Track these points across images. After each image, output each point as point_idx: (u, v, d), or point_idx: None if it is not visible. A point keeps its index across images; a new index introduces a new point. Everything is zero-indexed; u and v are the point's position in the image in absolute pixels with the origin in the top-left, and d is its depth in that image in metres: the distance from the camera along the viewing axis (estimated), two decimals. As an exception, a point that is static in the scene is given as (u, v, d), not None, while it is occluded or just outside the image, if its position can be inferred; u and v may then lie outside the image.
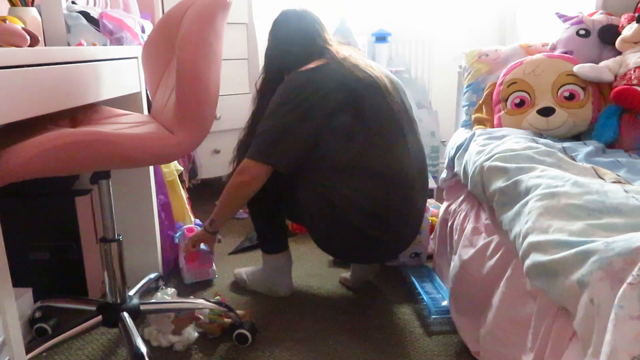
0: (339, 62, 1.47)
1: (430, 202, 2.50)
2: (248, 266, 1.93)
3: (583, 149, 1.38)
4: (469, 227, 1.51)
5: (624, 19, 1.67)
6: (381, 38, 2.79)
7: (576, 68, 1.59)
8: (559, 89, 1.59)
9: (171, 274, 1.92)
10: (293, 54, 1.54)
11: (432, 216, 2.16)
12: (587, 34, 1.73)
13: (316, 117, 1.42)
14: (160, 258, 1.85)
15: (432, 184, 2.80)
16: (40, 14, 1.43)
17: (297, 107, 1.43)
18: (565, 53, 1.72)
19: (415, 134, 1.57)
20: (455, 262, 1.49)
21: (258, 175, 1.48)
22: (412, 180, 1.51)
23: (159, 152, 1.17)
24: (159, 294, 1.73)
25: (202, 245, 1.92)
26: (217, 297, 1.67)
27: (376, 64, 1.59)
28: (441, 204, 2.02)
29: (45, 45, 1.44)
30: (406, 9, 2.99)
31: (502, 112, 1.68)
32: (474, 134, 1.59)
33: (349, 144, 1.44)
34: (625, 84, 1.52)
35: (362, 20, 2.94)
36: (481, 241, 1.39)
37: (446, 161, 1.77)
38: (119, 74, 1.49)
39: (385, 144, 1.46)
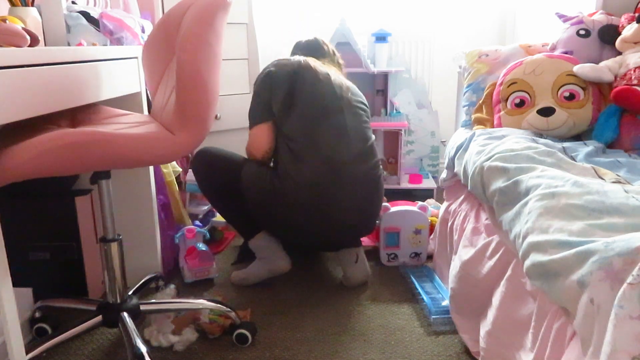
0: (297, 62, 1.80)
1: (430, 202, 2.51)
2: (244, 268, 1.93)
3: (583, 149, 1.38)
4: (469, 227, 1.51)
5: (624, 19, 1.67)
6: (381, 38, 2.79)
7: (576, 68, 1.59)
8: (559, 89, 1.59)
9: (171, 274, 1.92)
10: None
11: (432, 216, 2.16)
12: (587, 34, 1.73)
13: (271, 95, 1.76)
14: (160, 258, 1.85)
15: (432, 184, 2.81)
16: (40, 14, 1.43)
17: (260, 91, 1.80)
18: (565, 53, 1.72)
19: (357, 118, 1.79)
20: (455, 262, 1.49)
21: (257, 135, 1.78)
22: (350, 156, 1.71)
23: (159, 152, 1.17)
24: (159, 294, 1.73)
25: (202, 245, 1.93)
26: (218, 297, 1.67)
27: (338, 76, 1.86)
28: (441, 204, 2.02)
29: (45, 45, 1.44)
30: (406, 9, 2.99)
31: (502, 112, 1.68)
32: (474, 134, 1.59)
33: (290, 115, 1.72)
34: (625, 84, 1.52)
35: (362, 20, 2.94)
36: (481, 241, 1.39)
37: (446, 161, 1.77)
38: (119, 74, 1.49)
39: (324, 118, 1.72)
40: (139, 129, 1.23)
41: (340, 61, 2.03)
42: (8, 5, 1.36)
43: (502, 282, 1.22)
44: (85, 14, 1.58)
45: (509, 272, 1.21)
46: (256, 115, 1.77)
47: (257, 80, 1.80)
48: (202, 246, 1.92)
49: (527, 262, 0.93)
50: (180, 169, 2.03)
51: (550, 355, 0.93)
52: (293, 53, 1.97)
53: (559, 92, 1.59)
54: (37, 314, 1.53)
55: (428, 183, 2.81)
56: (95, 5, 1.82)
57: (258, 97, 1.77)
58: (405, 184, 2.78)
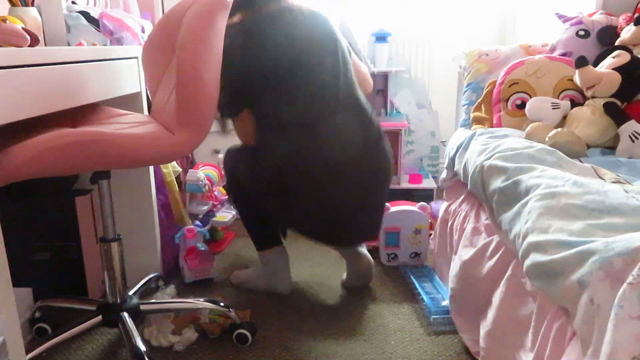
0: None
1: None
2: (246, 269, 1.93)
3: (583, 149, 1.38)
4: (469, 227, 1.51)
5: (622, 19, 1.66)
6: (381, 38, 2.79)
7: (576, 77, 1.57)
8: (559, 93, 1.59)
9: (171, 274, 1.92)
10: None
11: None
12: (587, 34, 1.73)
13: None
14: (160, 258, 1.85)
15: (432, 184, 2.81)
16: (40, 14, 1.43)
17: None
18: (565, 54, 1.72)
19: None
20: (455, 262, 1.49)
21: None
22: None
23: (159, 152, 1.17)
24: (159, 293, 1.74)
25: (202, 245, 1.93)
26: (218, 297, 1.67)
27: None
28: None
29: (45, 45, 1.44)
30: (406, 9, 2.99)
31: (502, 112, 1.67)
32: (475, 132, 1.59)
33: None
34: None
35: (362, 20, 2.94)
36: (481, 241, 1.39)
37: (446, 161, 1.77)
38: (119, 74, 1.49)
39: None
40: (139, 129, 1.23)
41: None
42: (8, 5, 1.36)
43: (502, 282, 1.22)
44: (85, 14, 1.58)
45: (509, 272, 1.21)
46: None
47: None
48: (202, 246, 1.92)
49: (527, 262, 0.93)
50: (180, 169, 2.03)
51: (550, 355, 0.93)
52: None
53: (560, 97, 1.58)
54: (37, 314, 1.53)
55: (428, 183, 2.81)
56: (95, 5, 1.82)
57: None
58: (405, 184, 2.78)
